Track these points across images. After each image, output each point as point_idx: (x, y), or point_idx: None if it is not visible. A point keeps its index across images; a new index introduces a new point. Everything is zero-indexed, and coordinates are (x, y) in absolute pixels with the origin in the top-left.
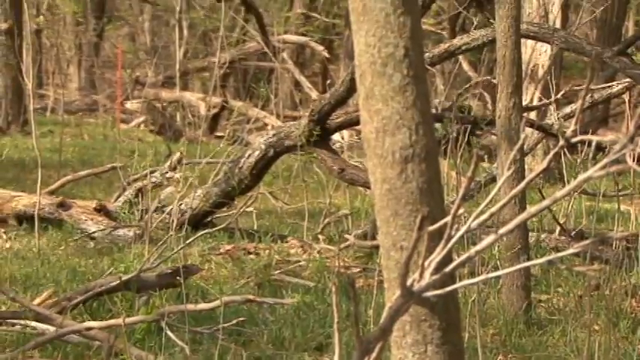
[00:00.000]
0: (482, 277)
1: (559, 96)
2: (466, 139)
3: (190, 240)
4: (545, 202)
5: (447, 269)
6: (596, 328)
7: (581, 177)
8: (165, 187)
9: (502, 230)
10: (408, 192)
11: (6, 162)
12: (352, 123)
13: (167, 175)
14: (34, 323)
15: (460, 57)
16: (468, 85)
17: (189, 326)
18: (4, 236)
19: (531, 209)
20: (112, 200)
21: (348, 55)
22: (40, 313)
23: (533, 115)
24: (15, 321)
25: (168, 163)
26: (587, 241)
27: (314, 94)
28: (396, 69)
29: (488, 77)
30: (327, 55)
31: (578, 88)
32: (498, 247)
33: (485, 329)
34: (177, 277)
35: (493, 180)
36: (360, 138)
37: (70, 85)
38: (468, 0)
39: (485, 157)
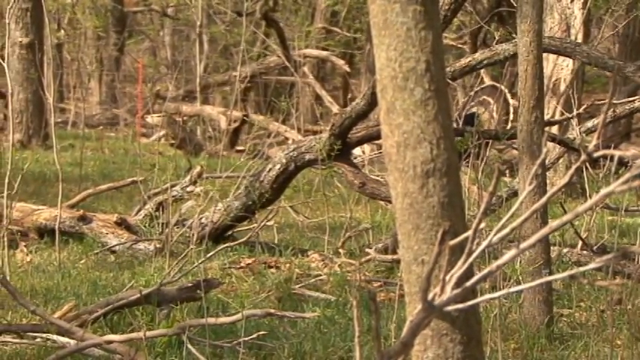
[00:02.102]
0: (504, 291)
1: (581, 110)
2: (487, 153)
3: (211, 254)
4: (567, 217)
5: (469, 283)
6: (619, 342)
7: (604, 192)
8: (186, 201)
9: (524, 245)
10: (430, 206)
11: (27, 176)
12: (373, 137)
13: (187, 189)
14: (54, 336)
15: (482, 71)
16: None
17: (210, 340)
18: (25, 250)
19: (553, 224)
20: (132, 214)
21: (369, 69)
22: (60, 327)
23: (555, 129)
24: (36, 334)
25: (188, 177)
26: (609, 256)
27: (335, 109)
28: (418, 83)
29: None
30: (347, 69)
31: (600, 102)
32: (520, 261)
33: (507, 343)
34: (198, 291)
35: (514, 194)
36: (381, 152)
37: (91, 99)
38: (489, 14)
39: (507, 171)
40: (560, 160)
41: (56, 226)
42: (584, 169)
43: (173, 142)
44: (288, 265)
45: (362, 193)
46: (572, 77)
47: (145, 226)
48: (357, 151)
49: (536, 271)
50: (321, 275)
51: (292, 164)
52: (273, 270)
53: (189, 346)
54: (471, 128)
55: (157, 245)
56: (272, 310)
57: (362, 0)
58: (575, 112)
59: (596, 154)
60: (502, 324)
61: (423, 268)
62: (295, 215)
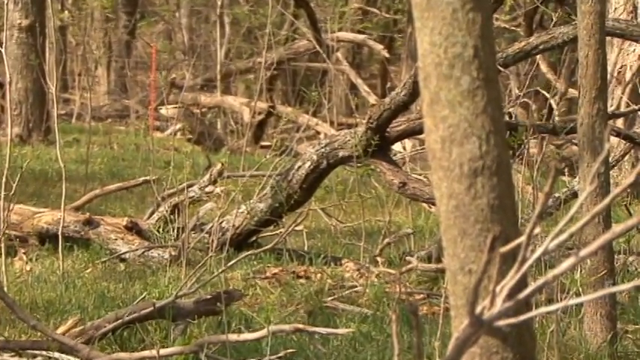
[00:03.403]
0: (562, 304)
1: None
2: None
3: (232, 262)
4: (633, 221)
5: (522, 295)
6: None
7: None
8: (205, 203)
9: (584, 252)
10: (478, 209)
11: (27, 174)
12: (415, 131)
13: (206, 190)
14: (57, 354)
15: (538, 57)
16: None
17: (232, 359)
18: (25, 257)
19: (617, 228)
20: (144, 217)
21: (410, 55)
22: (64, 343)
23: (619, 122)
24: (37, 352)
25: (207, 176)
26: None
27: (372, 99)
28: (465, 71)
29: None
30: (386, 55)
31: None
32: (580, 271)
33: None
34: (218, 304)
35: (574, 196)
36: (424, 148)
37: (99, 88)
38: None
39: (566, 170)
40: (626, 158)
41: (59, 231)
42: None
43: (190, 136)
44: (319, 275)
45: (402, 194)
46: (639, 64)
47: (158, 231)
48: (397, 147)
49: (598, 281)
50: (356, 286)
51: (324, 162)
52: (302, 280)
53: None
54: (524, 121)
55: (172, 252)
56: (301, 326)
57: None
58: None
59: None
60: (560, 341)
61: (470, 278)
62: (327, 219)
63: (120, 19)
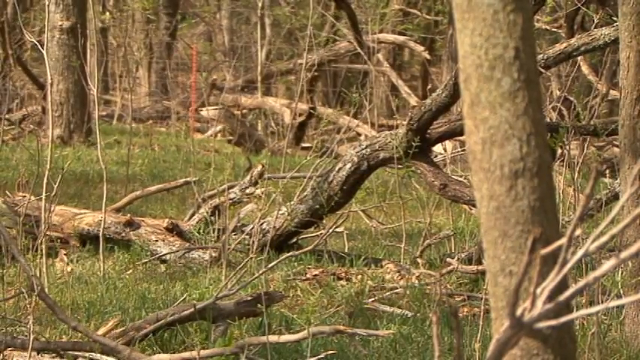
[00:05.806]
0: (602, 306)
1: None
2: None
3: (273, 264)
4: None
5: (562, 297)
6: None
7: None
8: (245, 205)
9: (625, 254)
10: (519, 210)
11: (68, 176)
12: (455, 133)
13: (247, 191)
14: (98, 355)
15: (579, 59)
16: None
17: None
18: (66, 258)
19: None
20: (185, 219)
21: (451, 56)
22: (105, 345)
23: None
24: (77, 353)
25: (248, 178)
26: None
27: (413, 101)
28: (505, 72)
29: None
30: (427, 56)
31: None
32: (621, 272)
33: None
34: (259, 305)
35: (615, 197)
36: (465, 150)
37: (139, 89)
38: None
39: (607, 171)
40: None
41: (100, 232)
42: None
43: (231, 138)
44: (359, 276)
45: (443, 195)
46: None
47: (199, 233)
48: (437, 148)
49: None
50: (396, 288)
51: (365, 163)
52: (343, 282)
53: None
54: (565, 123)
55: (213, 254)
56: (341, 327)
57: None
58: None
59: None
60: (600, 343)
61: (511, 279)
62: (368, 220)
63: (161, 21)
